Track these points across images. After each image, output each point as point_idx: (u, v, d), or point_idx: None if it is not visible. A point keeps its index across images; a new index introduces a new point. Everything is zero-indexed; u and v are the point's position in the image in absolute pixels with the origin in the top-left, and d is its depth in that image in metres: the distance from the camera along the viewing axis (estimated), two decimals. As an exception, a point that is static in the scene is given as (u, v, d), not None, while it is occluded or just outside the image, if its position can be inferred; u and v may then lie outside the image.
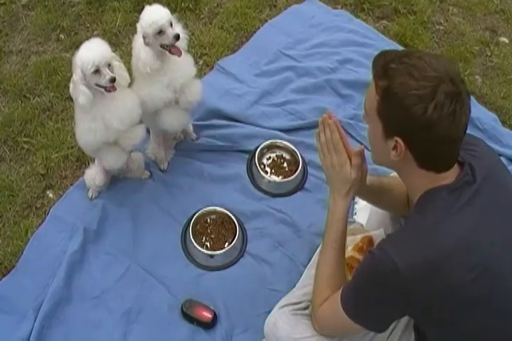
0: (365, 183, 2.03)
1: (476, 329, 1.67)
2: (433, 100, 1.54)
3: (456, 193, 1.65)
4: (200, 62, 3.32)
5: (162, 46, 2.34)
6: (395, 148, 1.66)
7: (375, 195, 2.16)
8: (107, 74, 2.21)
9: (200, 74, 3.21)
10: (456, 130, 1.60)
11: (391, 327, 1.97)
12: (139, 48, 2.35)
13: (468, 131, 1.89)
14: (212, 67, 3.31)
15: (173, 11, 3.32)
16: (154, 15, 2.29)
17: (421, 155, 1.66)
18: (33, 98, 3.11)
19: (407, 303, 1.65)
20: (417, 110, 1.55)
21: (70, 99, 2.36)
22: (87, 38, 2.34)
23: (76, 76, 2.24)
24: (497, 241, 1.64)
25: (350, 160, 1.94)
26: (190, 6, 3.59)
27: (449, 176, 1.68)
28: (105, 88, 2.26)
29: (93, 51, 2.21)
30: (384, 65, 1.62)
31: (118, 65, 2.33)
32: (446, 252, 1.58)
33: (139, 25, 2.35)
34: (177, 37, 2.30)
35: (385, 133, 1.67)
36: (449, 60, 1.64)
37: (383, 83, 1.61)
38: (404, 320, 1.97)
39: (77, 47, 2.26)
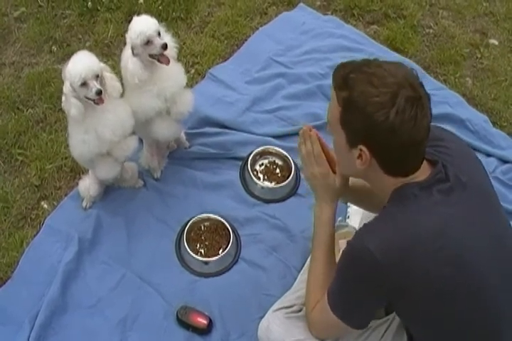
0: (347, 186, 2.06)
1: (452, 322, 1.69)
2: (394, 106, 1.57)
3: (428, 190, 1.67)
4: (192, 71, 3.34)
5: (151, 56, 2.36)
6: (359, 156, 1.69)
7: (358, 196, 2.18)
8: (94, 86, 2.23)
9: (192, 82, 3.23)
10: (418, 133, 1.62)
11: (383, 329, 1.99)
12: (127, 59, 2.37)
13: (459, 133, 1.92)
14: (204, 76, 3.33)
15: (164, 20, 3.39)
16: (142, 26, 2.32)
17: (386, 161, 1.69)
18: (27, 110, 3.13)
19: (384, 292, 1.68)
20: (379, 117, 1.58)
21: (63, 110, 2.38)
22: (80, 49, 2.36)
23: (66, 89, 2.27)
24: (472, 237, 1.67)
25: (333, 169, 1.97)
26: (182, 15, 3.62)
27: (420, 175, 1.70)
28: (93, 100, 2.28)
29: (80, 64, 2.23)
30: (344, 75, 1.65)
31: (109, 76, 2.35)
32: (421, 242, 1.62)
33: (127, 37, 2.38)
34: (164, 46, 2.31)
35: (348, 142, 1.70)
36: (409, 68, 1.68)
37: (344, 94, 1.64)
38: (397, 322, 1.98)
39: (70, 58, 2.29)
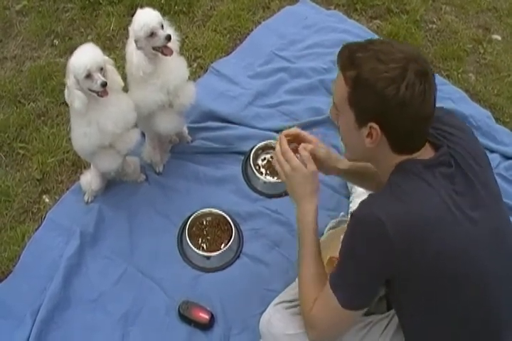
0: (333, 165, 2.09)
1: (449, 309, 1.68)
2: (404, 80, 1.58)
3: (431, 170, 1.67)
4: (195, 65, 3.33)
5: (154, 48, 2.36)
6: (369, 134, 1.69)
7: (362, 175, 2.17)
8: (99, 78, 2.22)
9: (195, 76, 3.22)
10: (428, 107, 1.64)
11: (385, 324, 1.98)
12: (132, 52, 2.37)
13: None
14: (207, 70, 3.32)
15: (166, 14, 3.38)
16: (145, 19, 2.31)
17: (396, 137, 1.69)
18: (28, 103, 3.12)
19: (389, 267, 1.66)
20: (389, 91, 1.59)
21: (65, 103, 2.39)
22: (82, 43, 2.36)
23: (70, 81, 2.26)
24: (476, 234, 1.66)
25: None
26: (184, 9, 3.61)
27: (423, 155, 1.71)
28: (97, 93, 2.28)
29: (85, 56, 2.23)
30: (349, 56, 1.66)
31: (111, 69, 2.36)
32: (427, 221, 1.61)
33: (131, 30, 2.37)
34: (168, 37, 2.31)
35: (358, 121, 1.70)
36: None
37: (352, 73, 1.65)
38: (397, 318, 1.96)
39: (72, 52, 2.29)
